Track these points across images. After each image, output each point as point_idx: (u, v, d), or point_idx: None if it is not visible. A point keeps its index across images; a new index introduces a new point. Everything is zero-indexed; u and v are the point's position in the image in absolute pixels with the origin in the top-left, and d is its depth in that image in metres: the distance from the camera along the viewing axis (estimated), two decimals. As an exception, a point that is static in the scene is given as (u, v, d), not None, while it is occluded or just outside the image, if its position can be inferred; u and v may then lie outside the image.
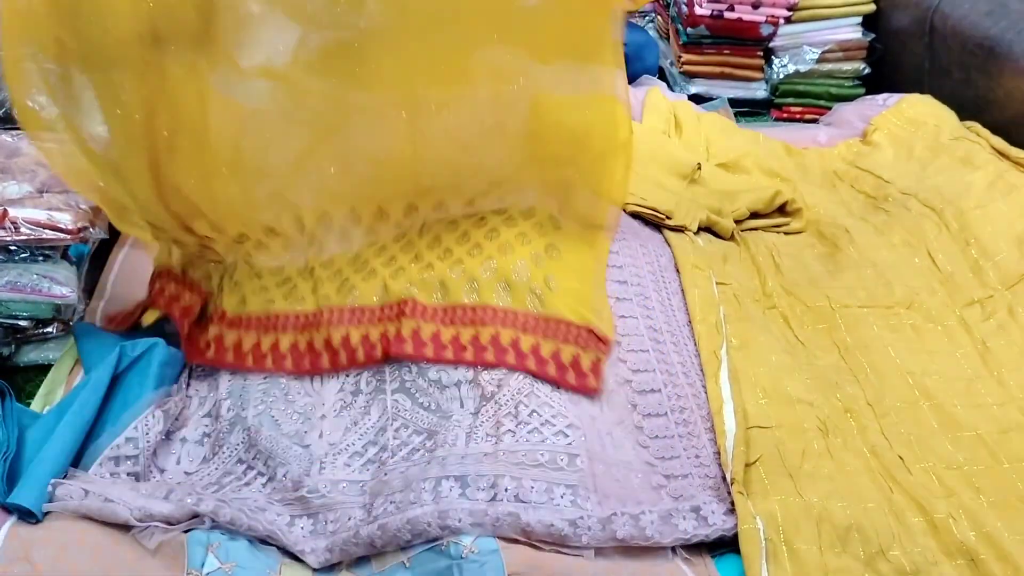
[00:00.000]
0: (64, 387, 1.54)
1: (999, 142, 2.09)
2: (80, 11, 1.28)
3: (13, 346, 1.61)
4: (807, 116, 2.69)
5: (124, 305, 1.72)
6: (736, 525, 1.23)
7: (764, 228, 1.95)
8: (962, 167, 2.05)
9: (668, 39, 2.97)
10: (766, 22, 2.60)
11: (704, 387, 1.47)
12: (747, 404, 1.41)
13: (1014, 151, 2.05)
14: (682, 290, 1.67)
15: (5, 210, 1.51)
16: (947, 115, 2.26)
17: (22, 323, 1.59)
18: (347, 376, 1.50)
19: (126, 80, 1.33)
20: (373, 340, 1.49)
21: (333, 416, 1.45)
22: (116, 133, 1.39)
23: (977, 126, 2.18)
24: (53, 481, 1.27)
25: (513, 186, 1.61)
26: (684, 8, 2.70)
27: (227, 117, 1.40)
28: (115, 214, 1.53)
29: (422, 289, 1.51)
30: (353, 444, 1.40)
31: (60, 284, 1.58)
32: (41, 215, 1.53)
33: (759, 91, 2.75)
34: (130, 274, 1.80)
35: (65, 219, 1.55)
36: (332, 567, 1.24)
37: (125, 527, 1.24)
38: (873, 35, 2.67)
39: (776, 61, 2.69)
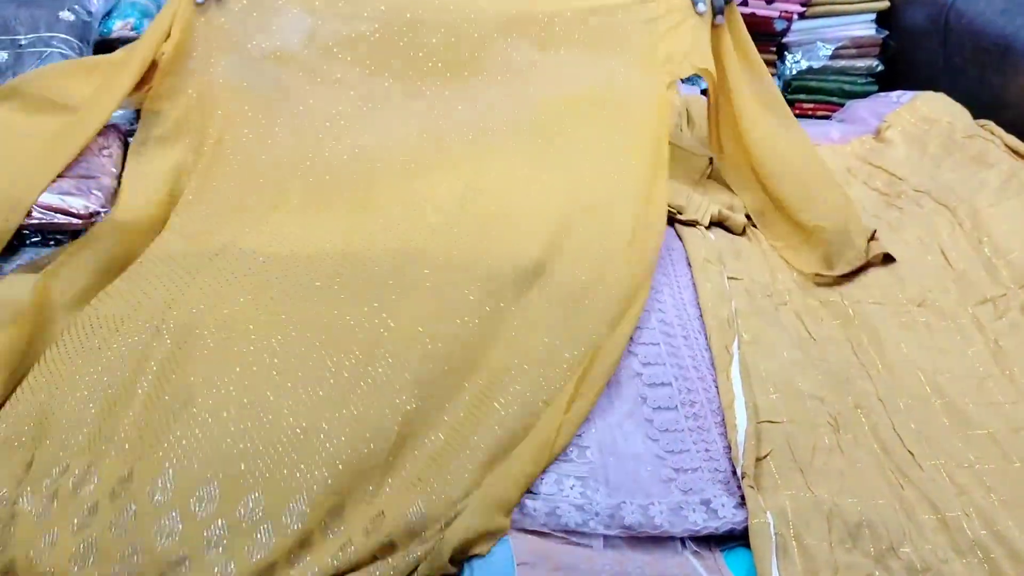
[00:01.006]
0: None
1: (1013, 140, 2.08)
2: None
3: (24, 330, 1.61)
4: (819, 113, 2.68)
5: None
6: (746, 519, 1.23)
7: (776, 224, 1.93)
8: (976, 165, 2.04)
9: (680, 34, 2.95)
10: (779, 17, 2.59)
11: (715, 381, 1.47)
12: (758, 399, 1.41)
13: (1028, 150, 2.04)
14: (693, 284, 1.67)
15: (17, 194, 1.51)
16: (961, 113, 2.24)
17: (33, 307, 1.59)
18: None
19: None
20: None
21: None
22: None
23: (991, 124, 2.17)
24: None
25: None
26: (697, 2, 2.68)
27: None
28: None
29: None
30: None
31: (71, 269, 1.57)
32: (53, 199, 1.53)
33: (771, 87, 2.73)
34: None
35: (77, 204, 1.55)
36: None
37: None
38: (887, 32, 2.65)
39: (789, 57, 2.67)
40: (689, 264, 1.72)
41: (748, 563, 1.20)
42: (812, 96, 2.69)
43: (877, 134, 2.30)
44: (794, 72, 2.66)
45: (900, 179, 2.07)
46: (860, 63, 2.66)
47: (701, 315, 1.60)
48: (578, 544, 1.19)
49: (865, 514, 1.24)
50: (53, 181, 1.55)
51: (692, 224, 1.85)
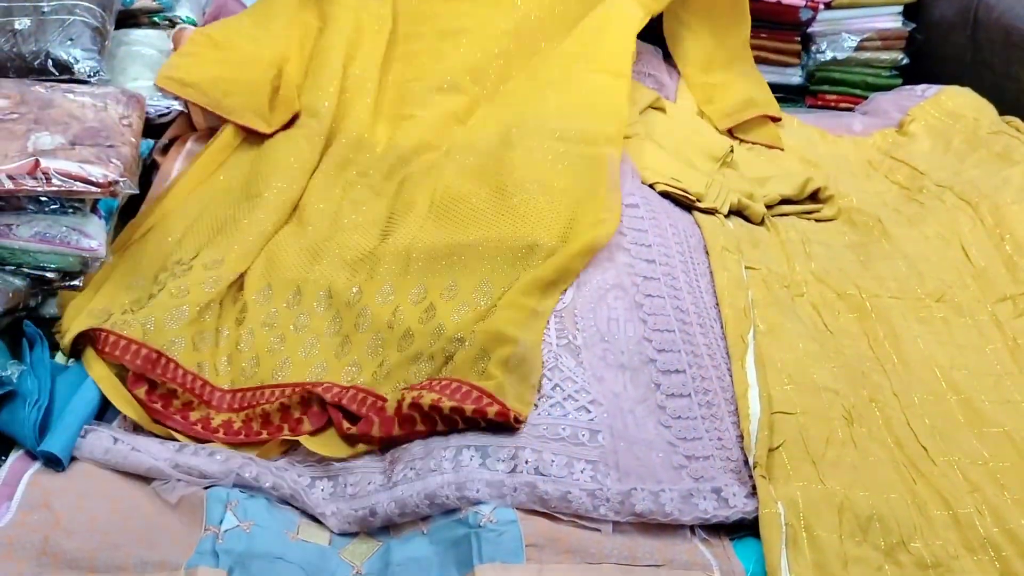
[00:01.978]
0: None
1: (1039, 138, 2.06)
2: None
3: (40, 297, 1.61)
4: (842, 104, 2.65)
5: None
6: (756, 508, 1.23)
7: (795, 214, 1.92)
8: (1000, 162, 2.02)
9: (704, 21, 2.92)
10: (806, 6, 2.56)
11: (729, 370, 1.46)
12: (772, 389, 1.40)
13: (1054, 147, 2.01)
14: (711, 272, 1.66)
15: (37, 160, 1.51)
16: (987, 108, 2.22)
17: (49, 275, 1.58)
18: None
19: None
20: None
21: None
22: None
23: (1017, 121, 2.15)
24: (85, 427, 1.28)
25: None
26: (723, -11, 2.65)
27: None
28: None
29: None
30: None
31: (89, 237, 1.57)
32: (72, 167, 1.53)
33: (794, 77, 2.70)
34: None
35: (96, 172, 1.54)
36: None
37: (146, 480, 1.25)
38: (914, 25, 2.62)
39: (814, 47, 2.64)
40: (707, 252, 1.71)
41: (757, 552, 1.20)
42: (835, 88, 2.66)
43: (900, 127, 2.28)
44: (818, 63, 2.63)
45: (922, 173, 2.05)
46: (885, 56, 2.63)
47: (717, 303, 1.59)
48: (587, 527, 1.19)
49: (876, 508, 1.24)
50: (72, 149, 1.55)
51: (711, 212, 1.83)
